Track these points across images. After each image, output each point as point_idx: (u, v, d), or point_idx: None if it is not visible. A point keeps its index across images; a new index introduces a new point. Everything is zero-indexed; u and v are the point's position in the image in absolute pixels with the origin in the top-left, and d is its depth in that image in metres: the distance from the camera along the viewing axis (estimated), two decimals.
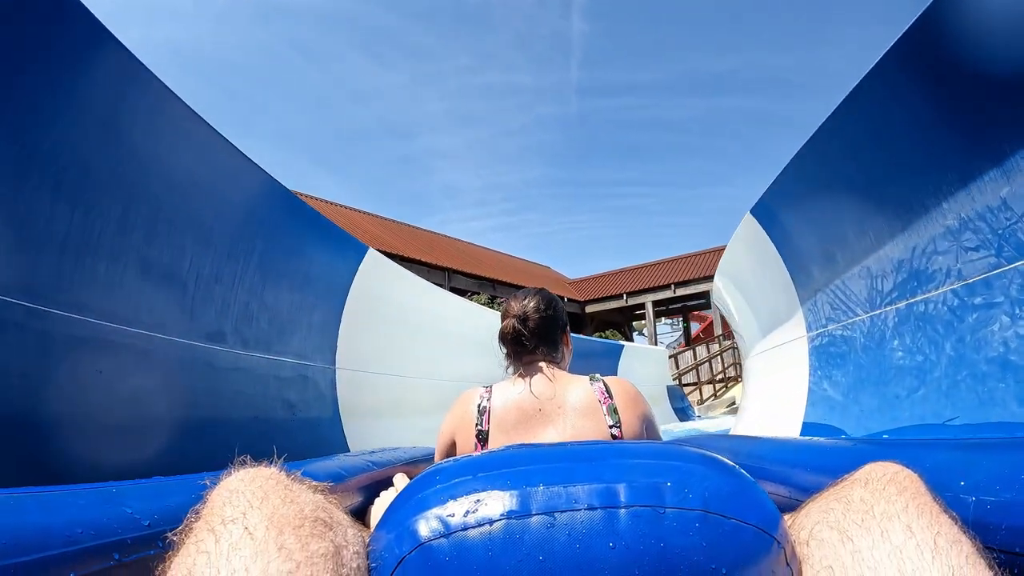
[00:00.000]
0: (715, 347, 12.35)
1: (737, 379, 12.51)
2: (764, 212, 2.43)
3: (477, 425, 0.97)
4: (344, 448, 2.49)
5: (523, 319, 1.05)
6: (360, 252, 2.71)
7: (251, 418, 2.01)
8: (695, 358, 11.58)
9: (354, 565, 0.44)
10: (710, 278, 14.28)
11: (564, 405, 0.97)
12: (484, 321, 4.57)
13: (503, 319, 1.08)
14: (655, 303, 16.11)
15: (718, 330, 13.98)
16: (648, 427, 0.99)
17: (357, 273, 2.68)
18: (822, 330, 2.19)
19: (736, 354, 13.35)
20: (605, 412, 0.95)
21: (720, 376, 11.93)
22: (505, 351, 1.09)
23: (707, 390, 11.15)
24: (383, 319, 2.97)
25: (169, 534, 0.46)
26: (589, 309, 17.14)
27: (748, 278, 3.30)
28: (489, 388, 1.02)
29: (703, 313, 19.69)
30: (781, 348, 2.78)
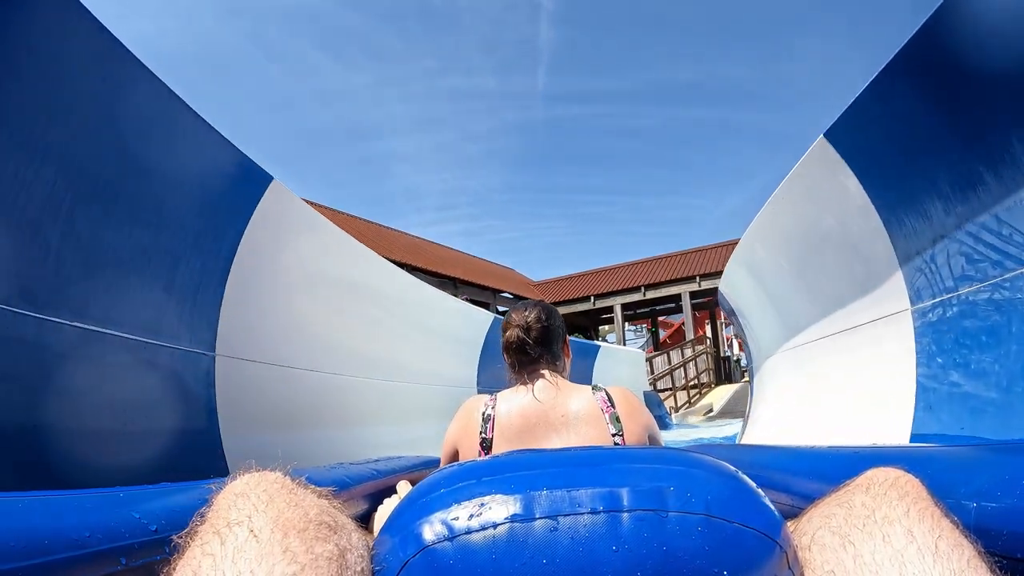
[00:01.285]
0: (689, 351, 11.80)
1: (712, 385, 12.04)
2: (849, 131, 1.70)
3: (481, 433, 1.00)
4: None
5: (526, 329, 1.08)
6: (260, 184, 1.83)
7: (14, 427, 1.12)
8: (669, 362, 10.98)
9: (358, 568, 0.44)
10: (680, 280, 14.14)
11: (567, 413, 0.99)
12: (451, 306, 3.70)
13: (505, 331, 1.12)
14: (624, 306, 15.57)
15: (690, 334, 13.50)
16: (651, 437, 1.02)
17: (254, 214, 1.81)
18: (949, 295, 1.48)
19: (710, 359, 12.90)
20: (608, 421, 0.98)
21: (695, 382, 11.39)
22: (509, 361, 1.11)
23: (681, 396, 10.57)
24: (294, 287, 2.09)
25: (174, 537, 0.45)
26: None
27: (786, 253, 2.60)
28: (494, 397, 1.05)
29: (670, 319, 19.35)
30: (847, 335, 2.07)
